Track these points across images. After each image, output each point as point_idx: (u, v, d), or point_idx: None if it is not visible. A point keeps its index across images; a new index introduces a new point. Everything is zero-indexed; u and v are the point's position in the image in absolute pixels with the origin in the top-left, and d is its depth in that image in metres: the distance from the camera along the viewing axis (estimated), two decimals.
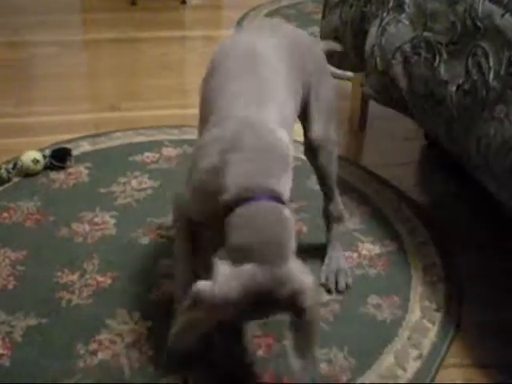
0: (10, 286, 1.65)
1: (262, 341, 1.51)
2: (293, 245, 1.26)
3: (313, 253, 1.77)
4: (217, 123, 1.36)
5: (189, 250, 1.45)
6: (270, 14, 3.91)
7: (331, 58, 2.37)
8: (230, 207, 1.25)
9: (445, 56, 1.68)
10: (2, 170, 2.06)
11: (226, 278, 1.18)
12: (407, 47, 1.83)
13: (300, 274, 1.21)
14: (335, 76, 1.71)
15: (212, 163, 1.30)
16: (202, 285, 1.20)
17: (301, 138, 1.68)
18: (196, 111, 2.77)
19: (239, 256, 1.20)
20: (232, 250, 1.22)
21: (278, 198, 1.27)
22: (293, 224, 1.27)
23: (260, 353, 1.47)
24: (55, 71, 3.01)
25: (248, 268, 1.18)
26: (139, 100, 2.73)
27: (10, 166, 2.09)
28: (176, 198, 1.47)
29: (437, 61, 1.70)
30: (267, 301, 1.19)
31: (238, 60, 1.46)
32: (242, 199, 1.24)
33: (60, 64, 3.09)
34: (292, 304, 1.21)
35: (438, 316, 1.61)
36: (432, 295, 1.67)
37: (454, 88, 1.63)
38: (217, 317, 1.21)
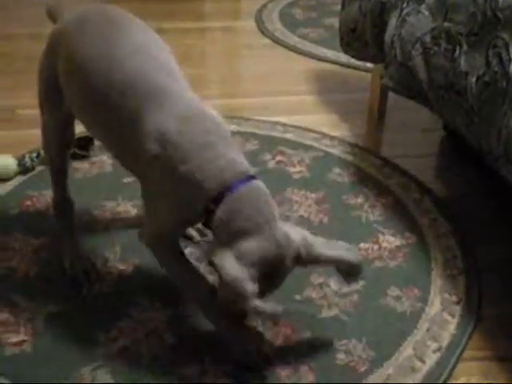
0: (32, 273, 1.67)
1: (280, 330, 1.52)
2: (277, 211, 1.35)
3: None
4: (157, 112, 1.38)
5: (185, 259, 1.50)
6: (289, 5, 3.90)
7: (350, 50, 2.36)
8: (213, 204, 1.33)
9: (465, 47, 1.67)
10: (27, 159, 2.10)
11: (231, 264, 1.28)
12: (427, 38, 1.82)
13: (293, 229, 1.36)
14: None
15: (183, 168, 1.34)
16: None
17: None
18: (219, 102, 2.74)
19: (236, 240, 1.29)
20: (229, 238, 1.31)
21: (248, 177, 1.36)
22: (268, 192, 1.36)
23: (279, 343, 1.49)
24: None
25: (248, 244, 1.29)
26: None
27: (34, 154, 2.12)
28: (148, 233, 1.49)
29: (457, 52, 1.70)
30: (276, 263, 1.30)
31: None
32: (221, 193, 1.32)
33: None
34: (297, 258, 1.33)
35: (458, 309, 1.60)
36: (452, 288, 1.67)
37: (474, 79, 1.62)
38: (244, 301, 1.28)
